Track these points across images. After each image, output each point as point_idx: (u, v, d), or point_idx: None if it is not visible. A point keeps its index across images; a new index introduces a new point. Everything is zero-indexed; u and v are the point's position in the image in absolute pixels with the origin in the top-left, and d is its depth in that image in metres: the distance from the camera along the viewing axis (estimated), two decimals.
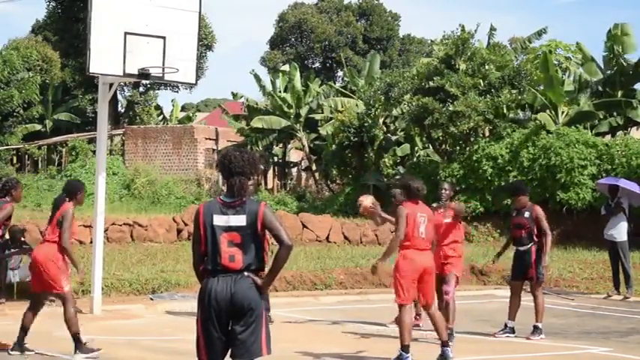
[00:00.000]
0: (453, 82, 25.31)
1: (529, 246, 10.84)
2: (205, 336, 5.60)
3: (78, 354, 8.92)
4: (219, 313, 5.55)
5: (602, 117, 27.65)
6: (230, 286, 5.54)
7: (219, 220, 5.61)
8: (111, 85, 12.73)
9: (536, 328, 10.92)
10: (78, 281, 11.94)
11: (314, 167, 36.12)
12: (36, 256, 9.29)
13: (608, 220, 15.25)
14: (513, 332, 11.02)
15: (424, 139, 29.62)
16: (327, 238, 22.38)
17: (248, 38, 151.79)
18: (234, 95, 39.10)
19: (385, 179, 28.77)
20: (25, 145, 41.69)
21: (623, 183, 15.85)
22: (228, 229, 5.59)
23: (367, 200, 10.46)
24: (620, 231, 15.10)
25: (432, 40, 41.48)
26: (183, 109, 59.41)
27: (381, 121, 29.92)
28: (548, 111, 27.13)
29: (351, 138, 28.92)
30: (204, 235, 5.64)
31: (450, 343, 9.26)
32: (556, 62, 32.59)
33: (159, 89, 50.17)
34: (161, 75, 12.23)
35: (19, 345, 9.09)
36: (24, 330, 9.14)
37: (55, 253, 9.15)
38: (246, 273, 5.59)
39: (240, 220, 5.60)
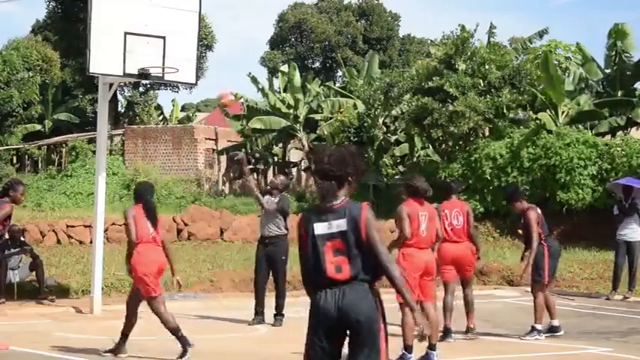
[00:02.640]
0: (452, 82, 25.31)
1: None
2: (313, 356, 5.12)
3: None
4: (327, 330, 5.01)
5: (602, 117, 27.64)
6: (338, 299, 4.97)
7: (320, 227, 5.06)
8: (111, 85, 12.73)
9: (533, 328, 10.93)
10: None
11: (314, 167, 36.11)
12: None
13: (621, 221, 15.15)
14: (552, 332, 11.02)
15: (424, 139, 29.62)
16: None
17: (248, 38, 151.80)
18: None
19: (385, 179, 28.77)
20: (25, 145, 41.72)
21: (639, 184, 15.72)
22: (331, 236, 5.04)
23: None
24: (634, 231, 15.05)
25: (431, 41, 41.51)
26: (183, 109, 59.40)
27: (380, 121, 29.93)
28: (548, 111, 27.12)
29: (351, 138, 28.91)
30: (307, 247, 5.10)
31: (436, 347, 9.14)
32: (556, 62, 32.57)
33: (159, 89, 50.18)
34: (161, 75, 12.24)
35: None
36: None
37: None
38: (358, 283, 5.00)
39: (341, 224, 5.04)
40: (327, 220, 5.07)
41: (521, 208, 11.06)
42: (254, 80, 37.43)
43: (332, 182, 5.12)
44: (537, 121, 25.95)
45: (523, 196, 11.36)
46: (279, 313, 11.62)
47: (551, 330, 11.05)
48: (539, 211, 11.08)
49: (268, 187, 12.19)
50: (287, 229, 11.63)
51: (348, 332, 5.03)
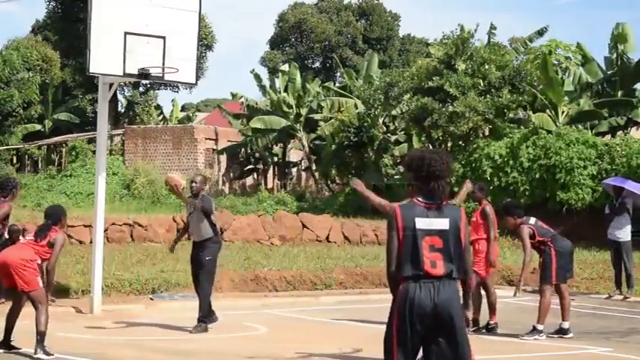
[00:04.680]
0: (452, 82, 25.31)
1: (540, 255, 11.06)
2: (400, 345, 5.26)
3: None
4: (419, 321, 5.23)
5: (602, 117, 27.65)
6: (434, 294, 5.24)
7: (421, 223, 5.33)
8: (111, 85, 12.73)
9: (534, 328, 10.92)
10: None
11: (314, 167, 36.13)
12: None
13: (612, 220, 15.19)
14: (560, 333, 11.04)
15: (423, 139, 29.64)
16: (327, 238, 22.37)
17: (248, 38, 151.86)
18: (234, 95, 39.12)
19: (385, 179, 28.77)
20: (25, 145, 41.74)
21: (629, 185, 15.72)
22: (430, 232, 5.33)
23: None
24: (624, 231, 15.06)
25: (428, 44, 41.52)
26: (183, 109, 59.45)
27: (380, 120, 29.93)
28: (548, 111, 27.14)
29: (351, 138, 28.93)
30: (404, 240, 5.32)
31: None
32: (556, 62, 32.59)
33: (159, 89, 50.23)
34: (161, 75, 12.24)
35: None
36: None
37: None
38: (449, 280, 5.31)
39: (443, 223, 5.35)
40: (428, 216, 5.36)
41: (513, 223, 11.10)
42: (257, 77, 37.48)
43: (441, 182, 5.43)
44: (533, 123, 25.92)
45: (517, 213, 11.19)
46: (199, 319, 10.83)
47: (560, 332, 11.01)
48: (532, 221, 11.02)
49: (192, 194, 11.70)
50: (215, 232, 11.18)
51: (434, 328, 5.27)
